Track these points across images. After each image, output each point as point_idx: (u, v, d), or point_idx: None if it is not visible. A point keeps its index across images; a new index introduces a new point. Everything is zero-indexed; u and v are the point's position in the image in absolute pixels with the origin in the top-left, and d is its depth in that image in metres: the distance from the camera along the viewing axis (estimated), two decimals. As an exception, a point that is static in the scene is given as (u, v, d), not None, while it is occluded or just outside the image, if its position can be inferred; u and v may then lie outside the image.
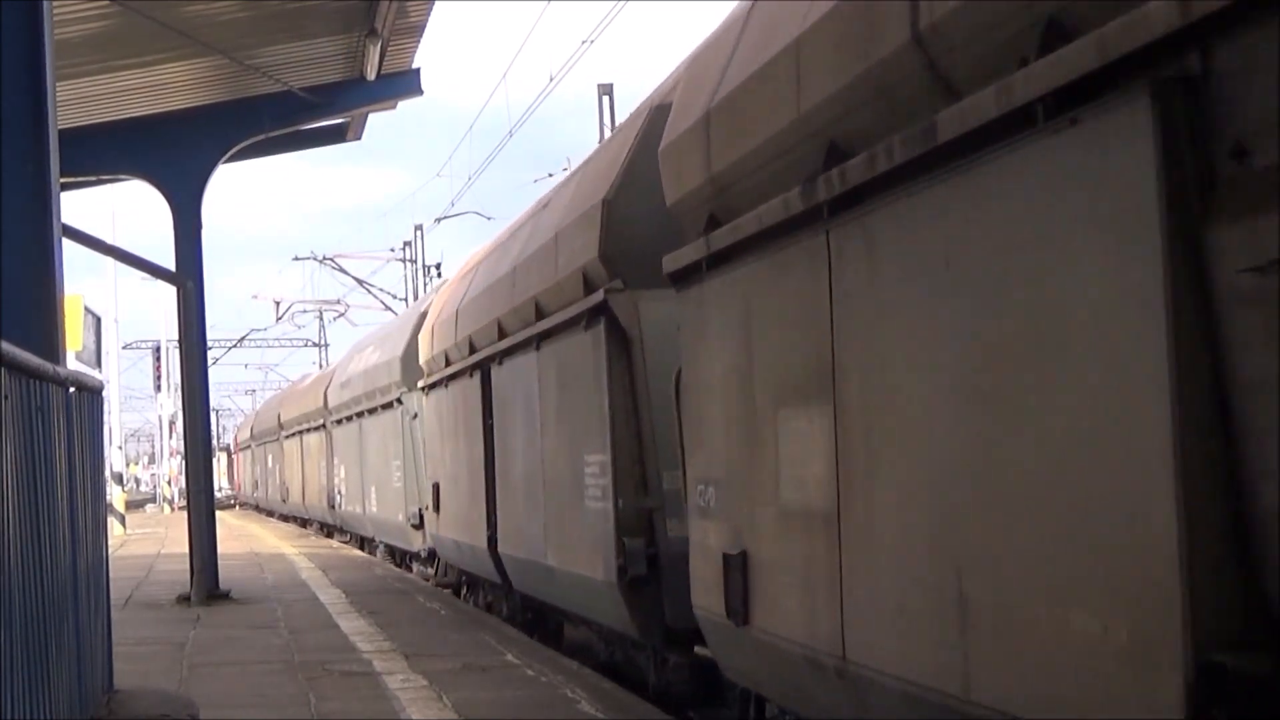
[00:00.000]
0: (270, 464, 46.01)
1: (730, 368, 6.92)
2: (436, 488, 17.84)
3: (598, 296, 9.93)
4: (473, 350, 14.86)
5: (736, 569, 6.86)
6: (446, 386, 16.78)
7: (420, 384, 18.78)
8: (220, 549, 18.24)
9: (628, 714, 9.37)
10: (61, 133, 9.70)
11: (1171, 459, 3.49)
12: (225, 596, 17.32)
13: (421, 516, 19.89)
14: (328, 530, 34.25)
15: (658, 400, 9.31)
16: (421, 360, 18.53)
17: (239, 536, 33.47)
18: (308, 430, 34.60)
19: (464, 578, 18.51)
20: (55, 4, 10.24)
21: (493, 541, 14.16)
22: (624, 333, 9.79)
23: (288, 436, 39.45)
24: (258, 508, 53.57)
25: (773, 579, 6.53)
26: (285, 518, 43.90)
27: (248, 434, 56.31)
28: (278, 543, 31.32)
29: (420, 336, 18.75)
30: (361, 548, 28.79)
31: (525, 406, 12.53)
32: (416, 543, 20.78)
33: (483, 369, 14.37)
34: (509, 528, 13.51)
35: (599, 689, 10.31)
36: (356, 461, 26.30)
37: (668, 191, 7.85)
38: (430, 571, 20.74)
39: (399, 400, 21.18)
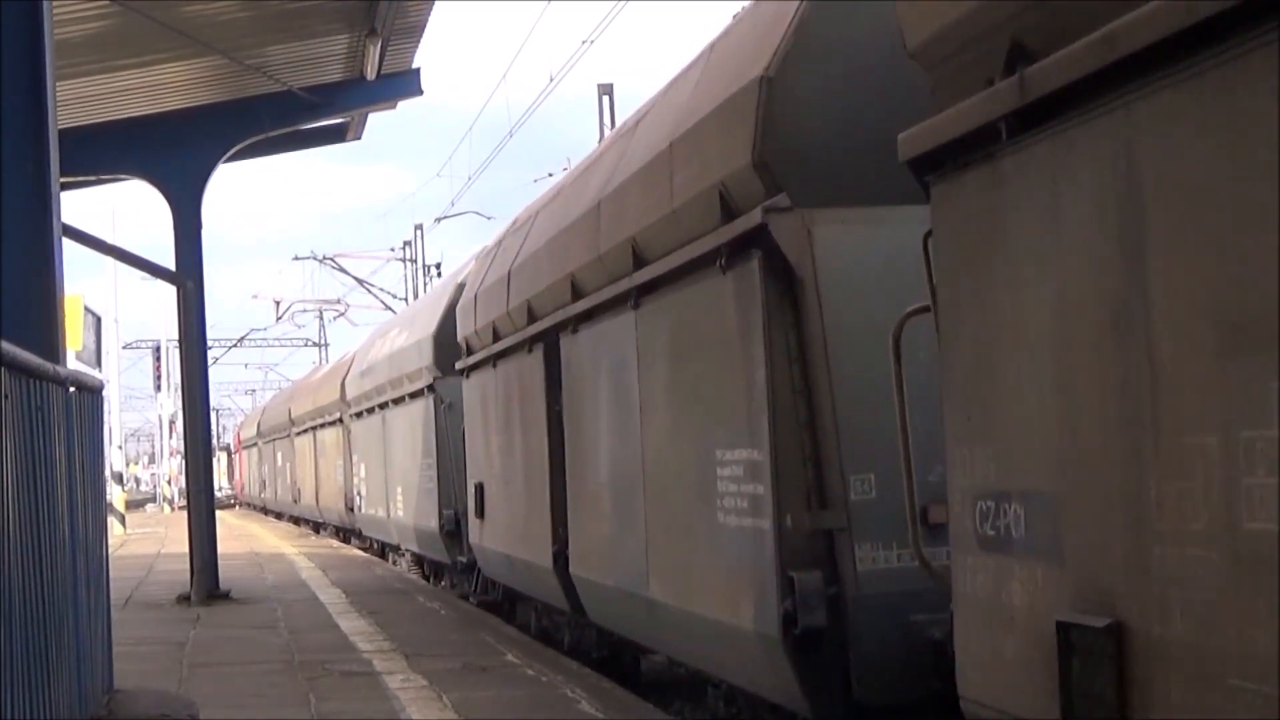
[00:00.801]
0: (280, 462, 42.61)
1: (1078, 294, 4.01)
2: (480, 489, 14.83)
3: (751, 220, 7.01)
4: (532, 318, 12.12)
5: (1097, 653, 3.88)
6: (495, 366, 13.88)
7: (459, 365, 16.13)
8: (220, 549, 18.24)
9: (628, 714, 9.36)
10: (61, 133, 9.69)
11: None
12: (225, 596, 17.32)
13: (458, 522, 17.39)
14: (344, 535, 31.65)
15: (845, 368, 6.67)
16: (460, 337, 15.99)
17: (239, 536, 33.47)
18: (322, 425, 31.62)
19: (511, 596, 15.46)
20: (55, 4, 10.23)
21: (560, 559, 11.56)
22: (790, 271, 6.87)
23: (299, 433, 36.11)
24: (265, 510, 50.95)
25: (1189, 674, 3.54)
26: (296, 520, 41.29)
27: (254, 430, 52.80)
28: (278, 543, 31.32)
29: (459, 309, 16.19)
30: (383, 556, 26.31)
31: (614, 385, 9.69)
32: (452, 553, 18.16)
33: (547, 341, 11.73)
34: (585, 543, 10.77)
35: (599, 689, 10.31)
36: (379, 459, 23.17)
37: (917, 26, 4.96)
38: (469, 588, 17.76)
39: (430, 388, 18.48)
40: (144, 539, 33.57)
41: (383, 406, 22.34)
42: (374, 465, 23.92)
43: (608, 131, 29.14)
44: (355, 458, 26.41)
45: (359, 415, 25.44)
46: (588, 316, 10.33)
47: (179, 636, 13.89)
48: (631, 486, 9.33)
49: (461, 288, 17.01)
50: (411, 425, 20.03)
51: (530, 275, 12.15)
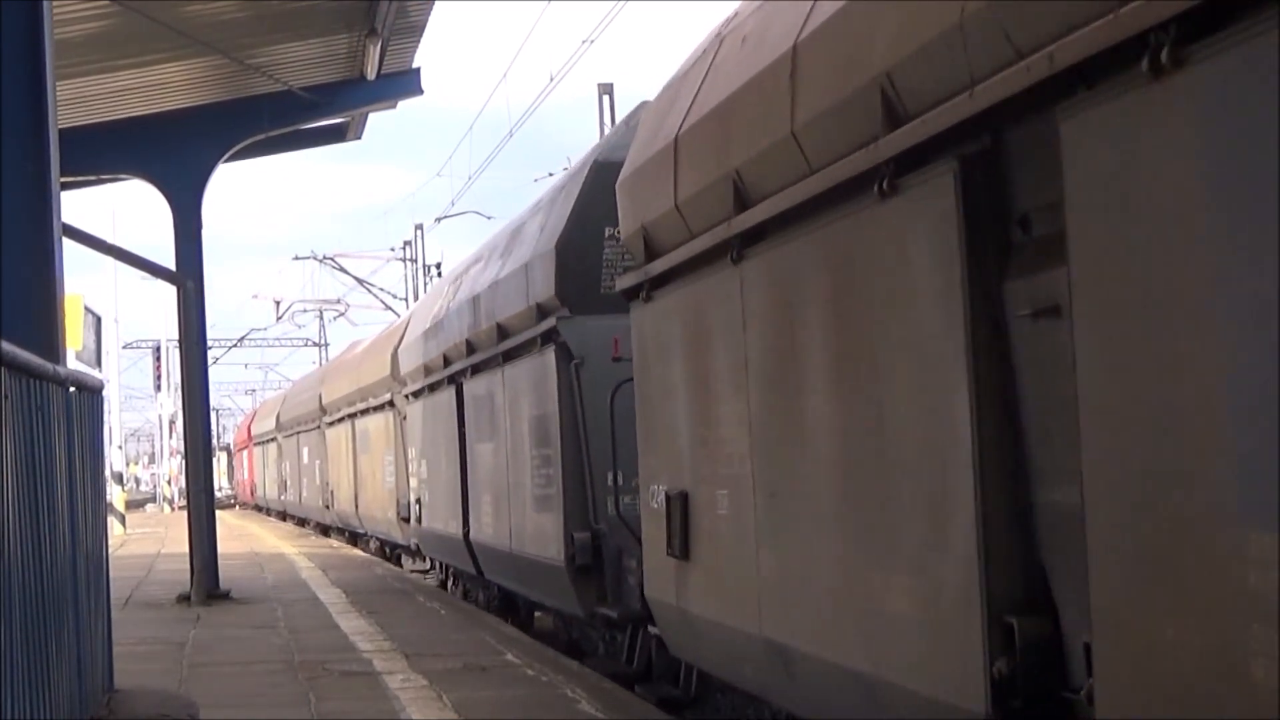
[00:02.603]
0: (306, 459, 35.40)
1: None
2: (683, 500, 8.06)
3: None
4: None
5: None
6: (683, 286, 8.08)
7: (627, 284, 8.98)
8: (220, 549, 18.24)
9: (628, 714, 9.36)
10: (62, 132, 9.70)
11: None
12: (225, 596, 17.32)
13: (597, 552, 11.36)
14: (395, 551, 25.60)
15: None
16: (626, 233, 9.11)
17: (239, 536, 33.47)
18: (364, 411, 25.40)
19: (698, 668, 9.27)
20: (55, 4, 10.23)
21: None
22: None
23: (333, 422, 29.84)
24: (284, 515, 44.13)
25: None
26: (326, 530, 34.60)
27: (271, 423, 44.28)
28: (277, 542, 31.32)
29: (621, 186, 9.08)
30: (450, 585, 19.86)
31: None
32: (587, 600, 11.57)
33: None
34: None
35: (599, 689, 10.31)
36: (449, 452, 16.56)
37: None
38: (629, 658, 11.41)
39: (551, 335, 11.69)
40: (144, 539, 33.57)
41: (458, 378, 15.87)
42: (442, 461, 17.14)
43: (607, 131, 29.09)
44: (412, 452, 19.65)
45: (417, 395, 18.84)
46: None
47: (179, 636, 13.89)
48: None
49: (607, 167, 11.06)
50: (514, 399, 13.09)
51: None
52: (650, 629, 9.70)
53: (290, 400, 40.92)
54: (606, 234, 11.34)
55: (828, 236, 5.94)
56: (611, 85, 29.76)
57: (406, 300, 47.09)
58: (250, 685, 10.91)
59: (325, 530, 34.78)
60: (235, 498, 65.83)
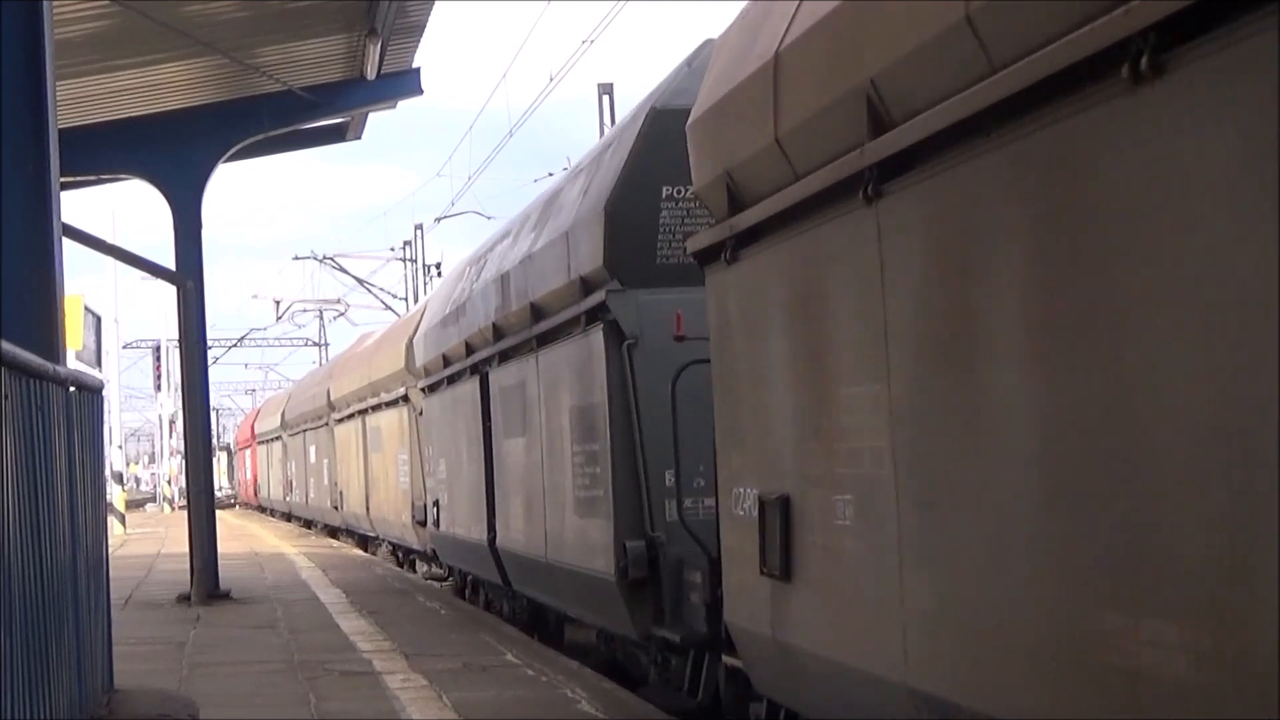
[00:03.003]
0: (313, 458, 33.50)
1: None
2: (783, 506, 6.55)
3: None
4: None
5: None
6: (785, 240, 6.54)
7: (702, 244, 7.57)
8: (220, 548, 18.24)
9: (628, 714, 9.37)
10: (62, 132, 9.70)
11: None
12: (225, 596, 17.32)
13: (654, 560, 9.68)
14: (409, 557, 23.81)
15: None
16: (701, 183, 7.65)
17: (239, 536, 33.47)
18: (376, 407, 23.87)
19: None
20: (55, 3, 10.24)
21: None
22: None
23: (342, 419, 28.13)
24: (289, 516, 42.45)
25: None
26: (335, 533, 32.64)
27: (275, 421, 42.36)
28: (277, 542, 31.32)
29: (693, 129, 7.62)
30: (469, 594, 17.81)
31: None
32: (641, 619, 9.92)
33: None
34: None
35: (599, 689, 10.31)
36: (473, 449, 14.83)
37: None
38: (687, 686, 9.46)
39: (599, 312, 10.08)
40: (144, 539, 33.58)
41: (482, 367, 14.20)
42: (463, 460, 15.49)
43: (607, 131, 29.09)
44: (429, 450, 18.10)
45: (435, 388, 17.25)
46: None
47: (179, 636, 13.89)
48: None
49: (668, 114, 9.61)
50: (549, 387, 11.55)
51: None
52: (726, 659, 8.09)
53: (296, 397, 38.77)
54: (664, 194, 9.70)
55: (1038, 146, 4.25)
56: (611, 85, 29.75)
57: (406, 300, 47.09)
58: (250, 685, 10.91)
59: (334, 533, 32.74)
60: (235, 497, 65.79)
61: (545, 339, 11.68)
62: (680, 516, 9.00)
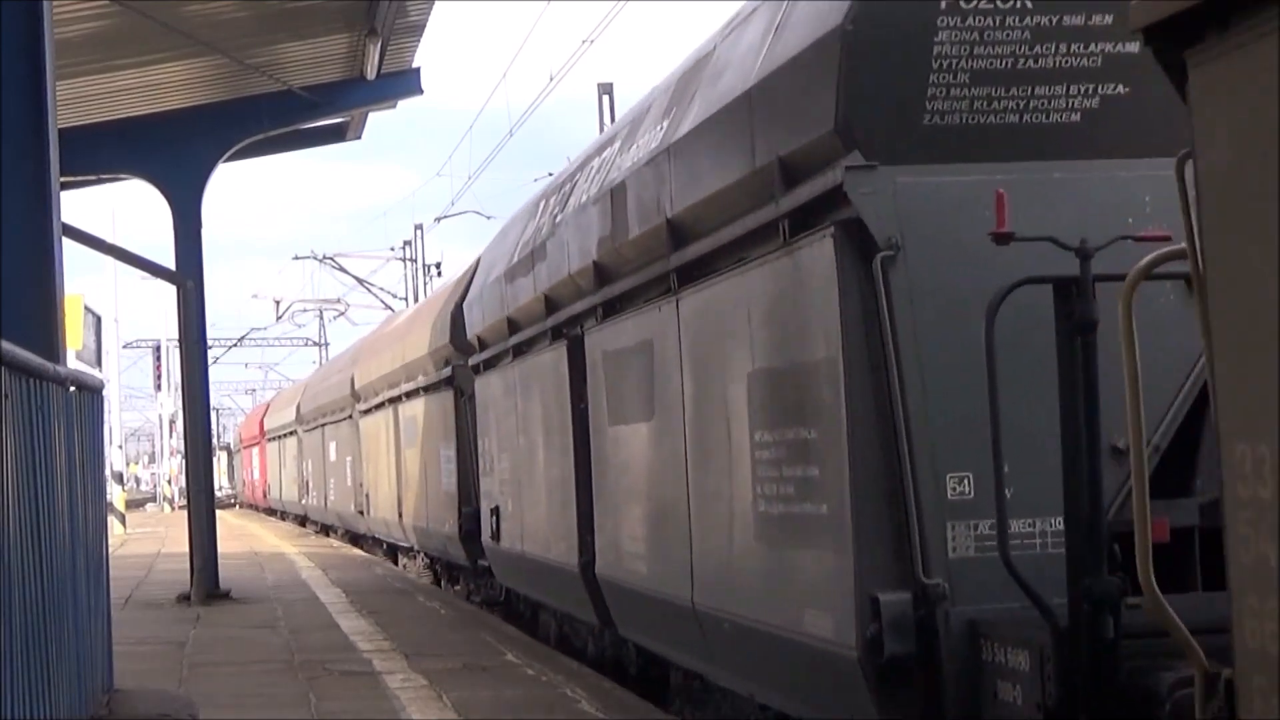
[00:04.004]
0: (333, 455, 29.39)
1: None
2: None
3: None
4: None
5: None
6: None
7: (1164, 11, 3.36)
8: (220, 548, 18.25)
9: (628, 714, 9.37)
10: (62, 132, 9.70)
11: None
12: (225, 596, 17.32)
13: (928, 626, 5.82)
14: (449, 572, 19.99)
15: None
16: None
17: (239, 536, 33.48)
18: (411, 394, 19.96)
19: None
20: (55, 3, 10.24)
21: None
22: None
23: (369, 410, 24.16)
24: (303, 520, 38.42)
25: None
26: (357, 540, 28.98)
27: (289, 415, 38.17)
28: (277, 542, 31.32)
29: None
30: (522, 612, 14.92)
31: None
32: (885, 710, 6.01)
33: None
34: None
35: (599, 688, 10.31)
36: (548, 443, 11.61)
37: None
38: None
39: (823, 209, 6.44)
40: (144, 538, 33.58)
41: (570, 328, 10.90)
42: (538, 454, 11.96)
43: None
44: (486, 443, 14.39)
45: (494, 364, 13.92)
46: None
47: (179, 636, 13.89)
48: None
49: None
50: (706, 342, 7.93)
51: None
52: None
53: (313, 388, 34.58)
54: (944, 4, 5.94)
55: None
56: (611, 85, 29.73)
57: (406, 299, 47.09)
58: (250, 685, 10.91)
59: (356, 540, 29.21)
60: (235, 497, 65.76)
61: (694, 271, 8.02)
62: (985, 550, 5.73)
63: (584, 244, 10.14)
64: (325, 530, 34.20)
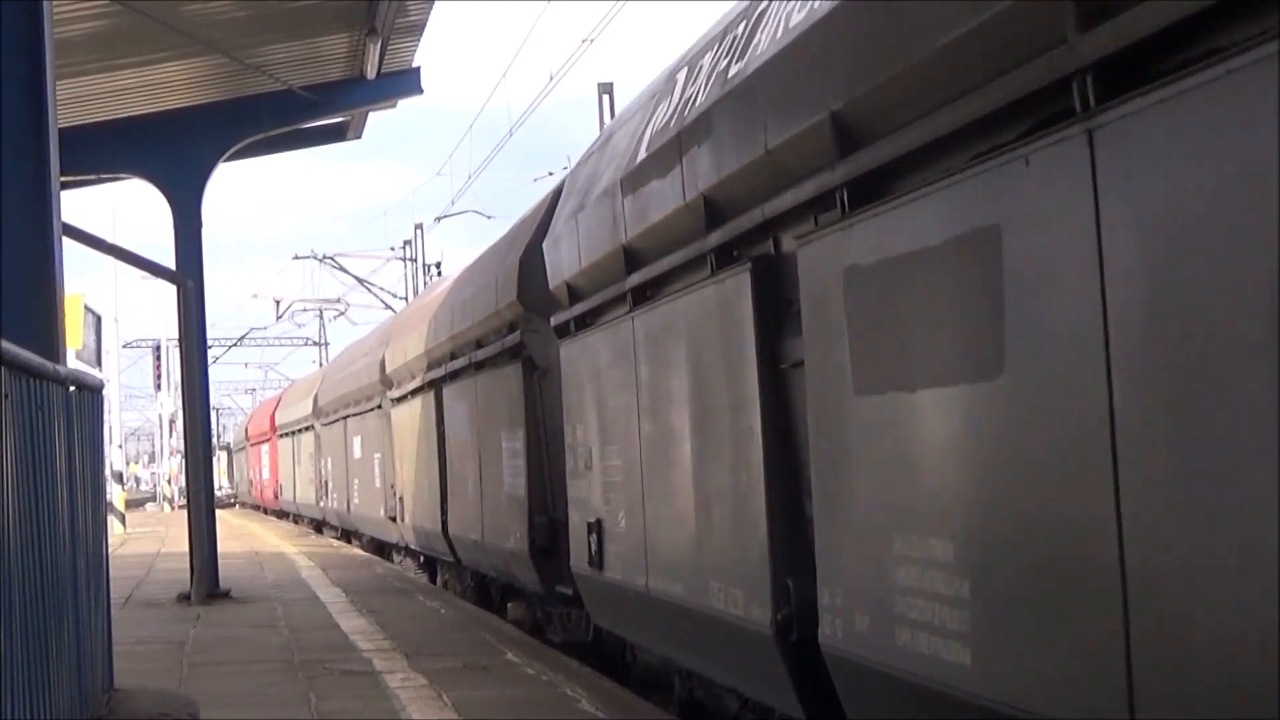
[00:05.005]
0: (358, 452, 25.76)
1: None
2: None
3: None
4: None
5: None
6: None
7: None
8: (220, 548, 18.24)
9: (628, 713, 9.36)
10: (62, 131, 9.70)
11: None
12: (225, 595, 17.32)
13: None
14: (503, 595, 16.09)
15: None
16: None
17: (239, 536, 33.47)
18: (457, 374, 16.19)
19: None
20: (55, 3, 10.24)
21: None
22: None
23: (404, 397, 20.15)
24: (320, 524, 34.90)
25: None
26: (381, 549, 26.27)
27: (306, 408, 34.12)
28: (278, 541, 31.31)
29: None
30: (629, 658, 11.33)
31: None
32: None
33: None
34: None
35: (599, 688, 10.31)
36: (693, 430, 7.72)
37: None
38: None
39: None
40: (144, 538, 33.58)
41: (747, 245, 7.12)
42: (662, 444, 8.35)
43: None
44: (576, 431, 10.49)
45: (591, 320, 10.18)
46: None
47: (179, 635, 13.89)
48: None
49: None
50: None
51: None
52: None
53: (332, 376, 30.25)
54: None
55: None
56: (611, 85, 29.73)
57: (406, 299, 47.10)
58: (250, 684, 10.90)
59: (381, 549, 25.95)
60: (235, 497, 65.73)
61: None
62: None
63: (805, 92, 6.01)
64: (346, 537, 30.71)
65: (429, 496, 18.31)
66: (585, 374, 10.12)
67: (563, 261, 10.70)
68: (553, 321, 11.22)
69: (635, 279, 8.79)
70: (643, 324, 8.61)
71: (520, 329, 13.13)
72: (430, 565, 21.47)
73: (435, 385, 17.66)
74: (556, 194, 12.61)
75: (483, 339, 14.87)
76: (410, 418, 19.80)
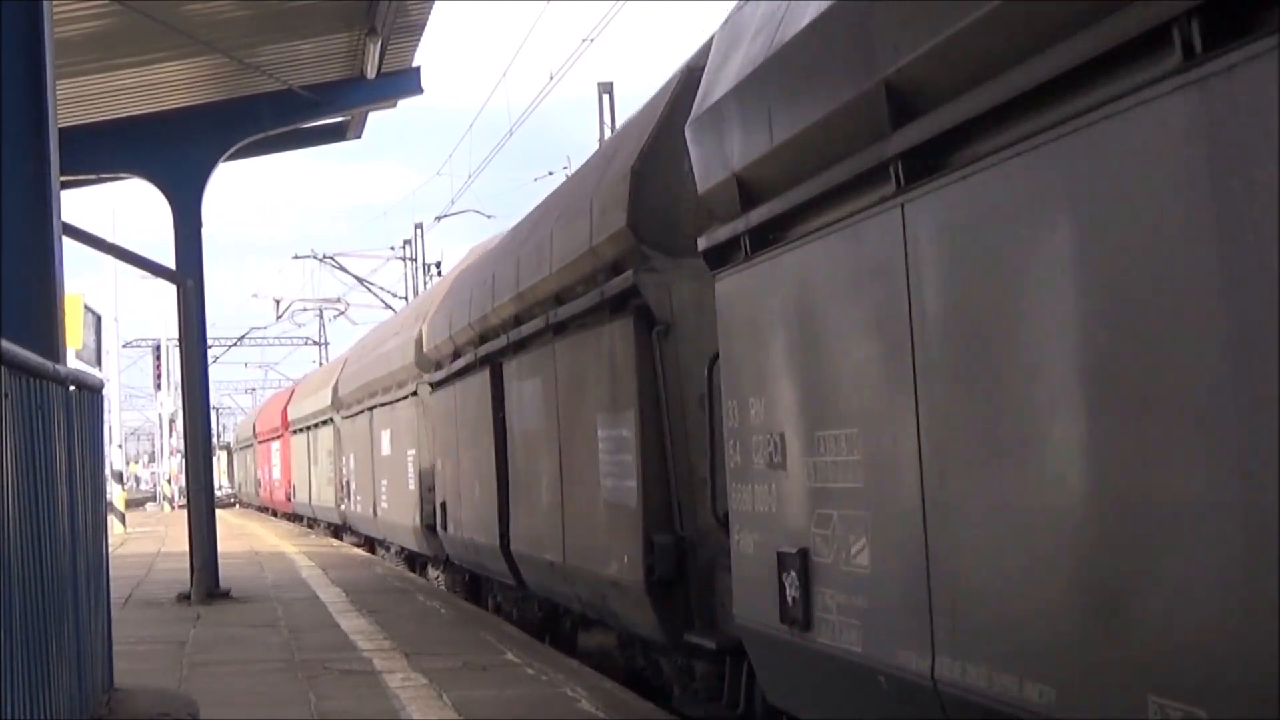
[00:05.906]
0: (387, 448, 21.99)
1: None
2: None
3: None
4: None
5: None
6: None
7: None
8: (220, 547, 18.24)
9: (628, 713, 9.37)
10: (62, 131, 9.70)
11: None
12: (225, 595, 17.32)
13: None
14: (589, 629, 12.14)
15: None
16: None
17: (239, 535, 33.47)
18: (523, 343, 12.45)
19: None
20: (55, 3, 10.24)
21: None
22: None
23: (442, 382, 16.79)
24: (339, 529, 31.21)
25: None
26: (413, 562, 22.60)
27: (323, 400, 30.43)
28: (277, 541, 31.30)
29: None
30: None
31: None
32: None
33: None
34: None
35: (599, 688, 10.31)
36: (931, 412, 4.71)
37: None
38: None
39: None
40: (144, 538, 33.58)
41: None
42: (891, 438, 5.07)
43: (608, 131, 29.09)
44: (760, 407, 6.44)
45: (771, 236, 6.35)
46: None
47: (179, 635, 13.89)
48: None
49: None
50: None
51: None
52: None
53: (354, 363, 26.68)
54: None
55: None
56: (611, 85, 29.77)
57: (406, 298, 47.10)
58: (250, 684, 10.90)
59: (412, 561, 22.56)
60: (235, 497, 65.72)
61: None
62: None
63: None
64: (371, 545, 27.04)
65: (483, 502, 14.53)
66: (772, 317, 6.33)
67: (733, 143, 6.60)
68: (703, 243, 7.19)
69: (911, 133, 4.86)
70: (930, 209, 4.75)
71: (633, 268, 9.13)
72: (474, 584, 17.97)
73: (491, 361, 13.79)
74: (687, 73, 8.86)
75: (564, 292, 11.09)
76: (456, 404, 15.95)
